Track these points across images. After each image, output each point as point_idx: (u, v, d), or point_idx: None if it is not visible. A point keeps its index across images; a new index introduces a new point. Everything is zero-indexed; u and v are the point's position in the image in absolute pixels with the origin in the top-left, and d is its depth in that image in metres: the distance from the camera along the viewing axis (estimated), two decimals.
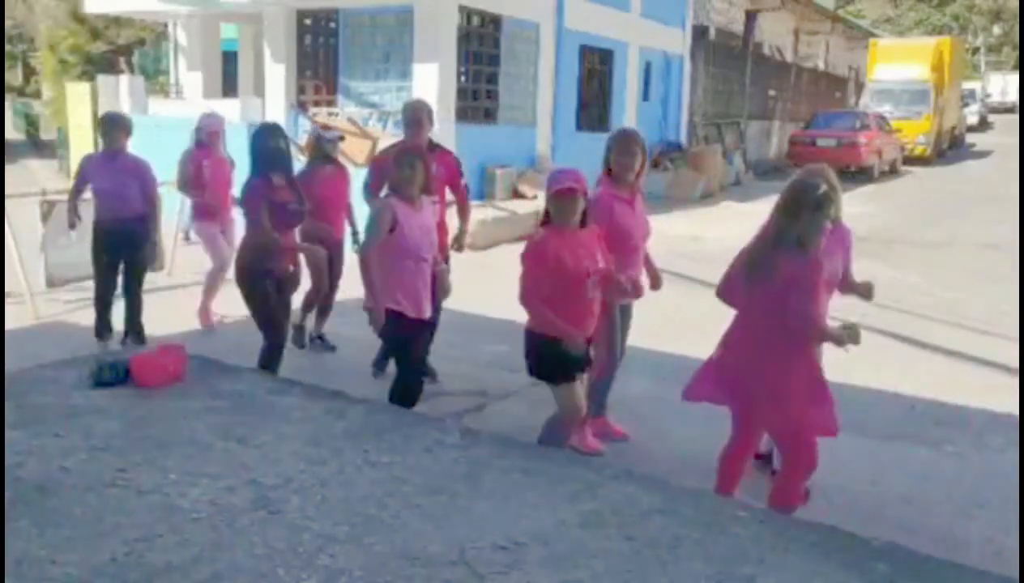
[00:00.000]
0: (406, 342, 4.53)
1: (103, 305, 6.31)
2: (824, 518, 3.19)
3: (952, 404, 5.61)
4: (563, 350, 3.86)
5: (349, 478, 3.13)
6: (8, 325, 6.46)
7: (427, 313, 4.54)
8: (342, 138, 6.84)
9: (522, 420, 4.81)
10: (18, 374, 4.18)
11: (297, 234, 5.52)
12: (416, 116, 5.49)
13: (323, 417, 3.76)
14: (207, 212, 6.97)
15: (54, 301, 7.54)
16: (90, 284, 7.94)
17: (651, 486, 3.24)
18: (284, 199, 5.07)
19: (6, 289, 7.20)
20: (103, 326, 6.31)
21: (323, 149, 6.37)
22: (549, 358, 3.94)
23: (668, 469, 4.16)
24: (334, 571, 2.49)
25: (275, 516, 2.82)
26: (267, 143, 5.07)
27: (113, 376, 4.04)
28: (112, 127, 6.18)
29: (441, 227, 5.39)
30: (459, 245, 5.81)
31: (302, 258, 5.59)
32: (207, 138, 6.96)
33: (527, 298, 3.93)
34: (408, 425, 3.75)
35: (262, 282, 5.05)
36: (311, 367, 5.83)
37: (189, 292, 7.59)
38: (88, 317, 6.48)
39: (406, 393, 4.48)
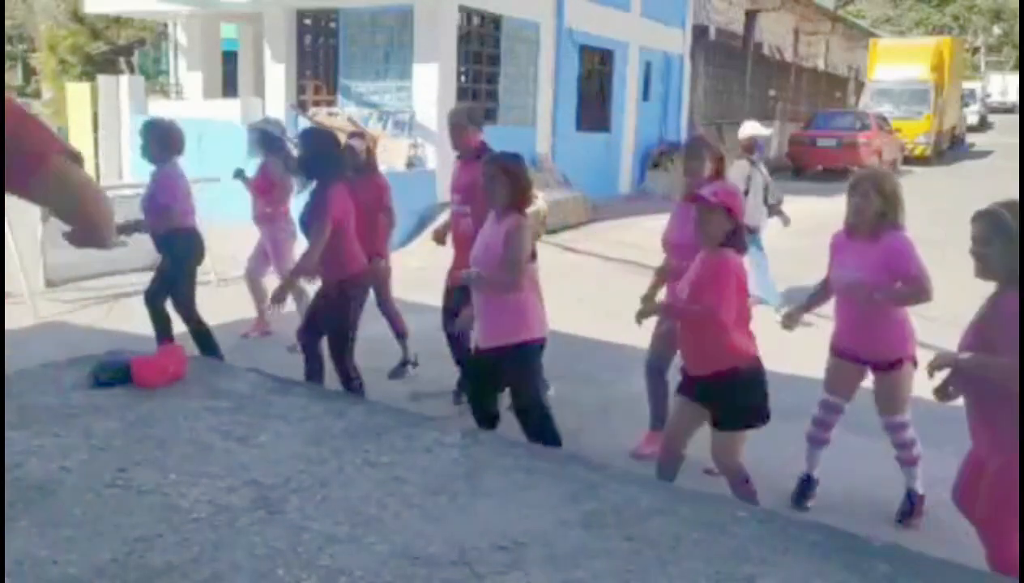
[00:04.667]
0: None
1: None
2: (824, 518, 3.19)
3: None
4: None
5: (349, 478, 3.13)
6: (8, 325, 6.45)
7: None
8: None
9: None
10: (18, 374, 4.17)
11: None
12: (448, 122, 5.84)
13: (323, 417, 3.76)
14: None
15: (54, 301, 7.54)
16: (91, 284, 7.96)
17: (651, 486, 3.24)
18: None
19: (6, 289, 7.20)
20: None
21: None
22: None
23: None
24: (334, 571, 2.49)
25: (275, 516, 2.82)
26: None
27: (113, 376, 4.04)
28: (176, 134, 5.63)
29: None
30: None
31: None
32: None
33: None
34: (408, 425, 3.74)
35: None
36: None
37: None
38: (88, 317, 6.47)
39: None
